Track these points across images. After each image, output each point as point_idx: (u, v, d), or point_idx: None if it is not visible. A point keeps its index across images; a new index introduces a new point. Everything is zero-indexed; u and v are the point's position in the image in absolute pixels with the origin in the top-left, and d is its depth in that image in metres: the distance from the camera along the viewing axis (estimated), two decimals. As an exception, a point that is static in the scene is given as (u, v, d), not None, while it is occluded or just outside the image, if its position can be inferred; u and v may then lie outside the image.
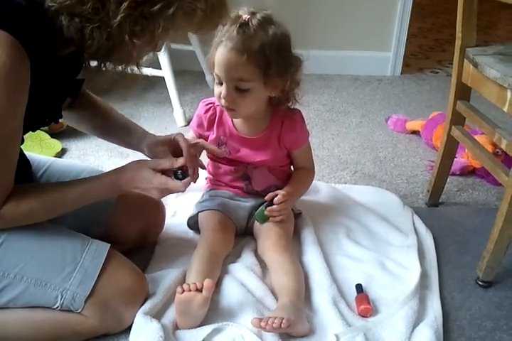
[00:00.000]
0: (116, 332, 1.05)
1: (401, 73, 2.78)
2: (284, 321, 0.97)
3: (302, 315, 1.06)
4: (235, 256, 1.27)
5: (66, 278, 0.98)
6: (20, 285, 0.97)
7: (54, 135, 1.89)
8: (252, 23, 1.12)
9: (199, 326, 1.04)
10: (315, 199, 1.53)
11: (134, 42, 0.86)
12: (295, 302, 1.06)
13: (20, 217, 0.95)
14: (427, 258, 1.31)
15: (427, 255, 1.32)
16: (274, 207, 1.25)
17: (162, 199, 1.30)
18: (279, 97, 1.23)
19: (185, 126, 2.07)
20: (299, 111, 1.29)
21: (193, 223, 1.35)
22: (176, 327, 1.05)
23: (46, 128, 1.84)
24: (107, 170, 1.07)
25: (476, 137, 1.52)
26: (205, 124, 1.31)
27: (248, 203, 1.34)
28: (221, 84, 1.16)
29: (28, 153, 1.20)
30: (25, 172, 1.15)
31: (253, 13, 1.13)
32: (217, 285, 1.14)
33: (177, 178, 1.05)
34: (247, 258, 1.25)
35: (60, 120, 1.12)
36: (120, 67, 0.93)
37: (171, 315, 1.06)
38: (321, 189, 1.58)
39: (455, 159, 1.61)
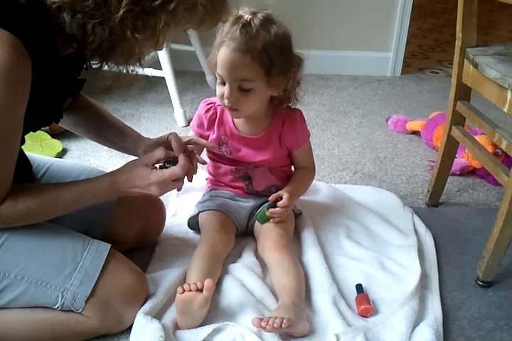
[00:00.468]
0: (117, 332, 1.05)
1: (401, 73, 2.78)
2: (284, 321, 0.97)
3: (303, 315, 1.06)
4: (235, 256, 1.27)
5: (67, 278, 0.98)
6: (21, 286, 0.97)
7: (55, 135, 1.89)
8: (254, 23, 1.11)
9: (199, 326, 1.04)
10: (315, 199, 1.53)
11: (135, 38, 0.87)
12: (296, 302, 1.07)
13: (17, 215, 0.94)
14: (427, 258, 1.31)
15: (427, 255, 1.32)
16: (276, 209, 1.25)
17: (163, 200, 1.30)
18: (280, 97, 1.23)
19: (186, 126, 2.07)
20: (300, 111, 1.29)
21: (194, 223, 1.35)
22: (177, 327, 1.05)
23: (47, 128, 1.84)
24: (108, 171, 1.07)
25: (476, 137, 1.52)
26: (206, 124, 1.31)
27: (248, 203, 1.34)
28: (224, 84, 1.16)
29: (29, 154, 1.20)
30: (25, 172, 1.15)
31: (254, 13, 1.13)
32: (218, 285, 1.14)
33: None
34: (248, 258, 1.25)
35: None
36: (122, 64, 0.93)
37: (171, 315, 1.06)
38: (321, 189, 1.58)
39: (455, 159, 1.61)
